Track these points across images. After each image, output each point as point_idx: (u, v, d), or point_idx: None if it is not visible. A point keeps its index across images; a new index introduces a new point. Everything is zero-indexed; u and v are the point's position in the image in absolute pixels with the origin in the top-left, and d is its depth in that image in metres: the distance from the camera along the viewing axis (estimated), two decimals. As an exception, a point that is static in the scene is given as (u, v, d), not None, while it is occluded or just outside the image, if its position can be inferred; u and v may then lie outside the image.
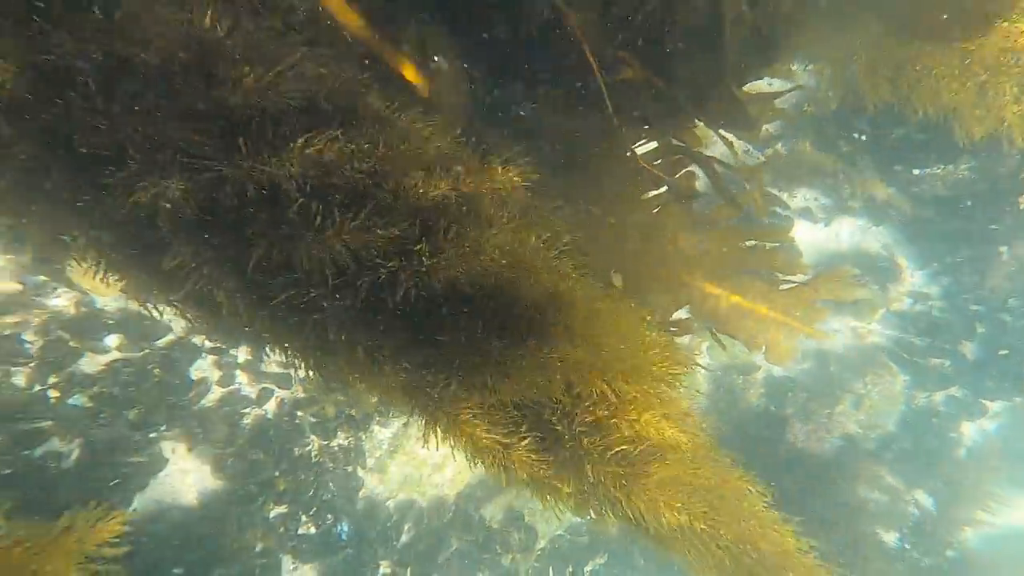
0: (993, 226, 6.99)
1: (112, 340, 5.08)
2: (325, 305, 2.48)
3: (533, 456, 2.84)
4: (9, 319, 4.40)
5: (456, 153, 2.68)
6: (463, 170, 2.58)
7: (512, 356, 2.49)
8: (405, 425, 6.92)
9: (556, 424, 2.88)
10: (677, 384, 2.88)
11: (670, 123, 3.67)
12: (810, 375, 8.05)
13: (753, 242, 4.17)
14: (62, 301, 4.69)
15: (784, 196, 7.00)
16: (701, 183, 4.08)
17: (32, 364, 4.66)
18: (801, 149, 6.77)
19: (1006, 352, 7.50)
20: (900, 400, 8.16)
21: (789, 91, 3.84)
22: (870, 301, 7.78)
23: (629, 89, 3.34)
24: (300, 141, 2.25)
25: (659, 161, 3.83)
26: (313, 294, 2.43)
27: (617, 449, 2.81)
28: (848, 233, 7.46)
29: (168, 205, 2.21)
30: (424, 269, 2.38)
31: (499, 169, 2.65)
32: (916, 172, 6.62)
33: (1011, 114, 3.70)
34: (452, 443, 2.83)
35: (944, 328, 7.73)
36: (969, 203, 6.88)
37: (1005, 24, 3.45)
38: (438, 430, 2.80)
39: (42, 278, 4.47)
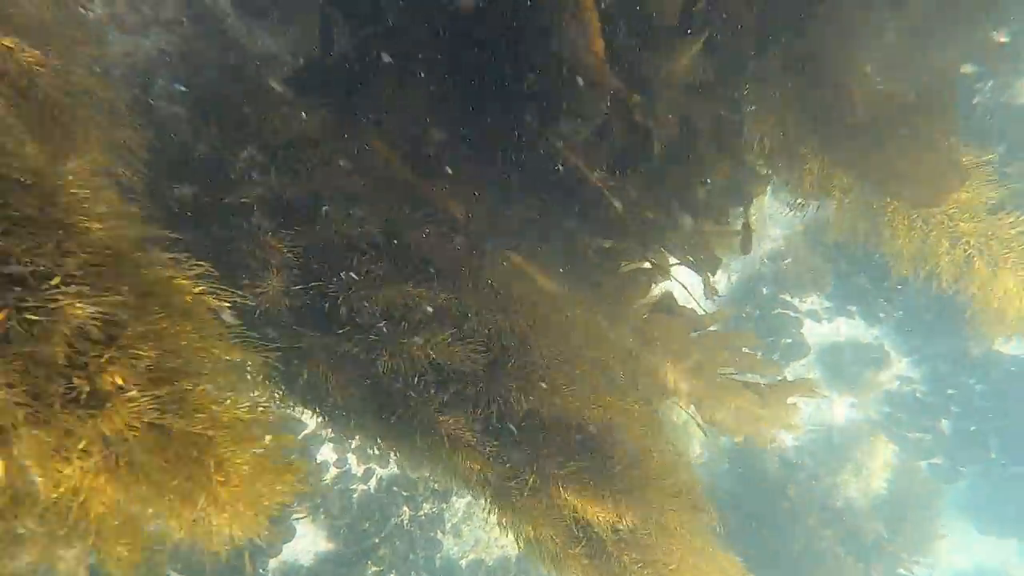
0: (963, 325, 8.51)
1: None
2: (412, 395, 2.90)
3: (585, 561, 3.28)
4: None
5: (530, 292, 3.23)
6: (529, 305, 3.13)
7: (573, 481, 3.01)
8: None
9: (606, 541, 3.34)
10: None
11: (653, 244, 4.19)
12: (817, 444, 9.44)
13: (730, 347, 4.66)
14: (242, 410, 5.89)
15: (795, 302, 8.45)
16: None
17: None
18: (807, 263, 8.26)
19: (974, 428, 9.00)
20: (891, 467, 9.58)
21: (737, 234, 4.38)
22: (866, 384, 9.23)
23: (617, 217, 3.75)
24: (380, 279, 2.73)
25: (646, 278, 4.36)
26: (397, 387, 2.85)
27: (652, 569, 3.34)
28: (847, 329, 8.94)
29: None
30: (503, 393, 2.84)
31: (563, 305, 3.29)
32: (899, 287, 8.13)
33: (944, 262, 4.54)
34: (511, 527, 3.23)
35: (926, 408, 9.21)
36: (944, 308, 8.40)
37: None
38: (508, 515, 3.19)
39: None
